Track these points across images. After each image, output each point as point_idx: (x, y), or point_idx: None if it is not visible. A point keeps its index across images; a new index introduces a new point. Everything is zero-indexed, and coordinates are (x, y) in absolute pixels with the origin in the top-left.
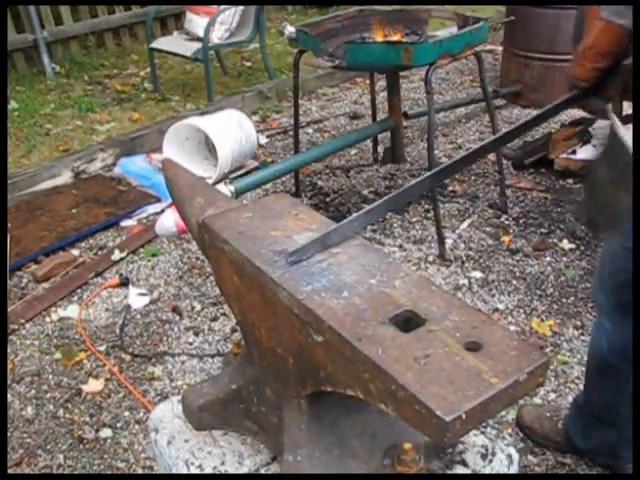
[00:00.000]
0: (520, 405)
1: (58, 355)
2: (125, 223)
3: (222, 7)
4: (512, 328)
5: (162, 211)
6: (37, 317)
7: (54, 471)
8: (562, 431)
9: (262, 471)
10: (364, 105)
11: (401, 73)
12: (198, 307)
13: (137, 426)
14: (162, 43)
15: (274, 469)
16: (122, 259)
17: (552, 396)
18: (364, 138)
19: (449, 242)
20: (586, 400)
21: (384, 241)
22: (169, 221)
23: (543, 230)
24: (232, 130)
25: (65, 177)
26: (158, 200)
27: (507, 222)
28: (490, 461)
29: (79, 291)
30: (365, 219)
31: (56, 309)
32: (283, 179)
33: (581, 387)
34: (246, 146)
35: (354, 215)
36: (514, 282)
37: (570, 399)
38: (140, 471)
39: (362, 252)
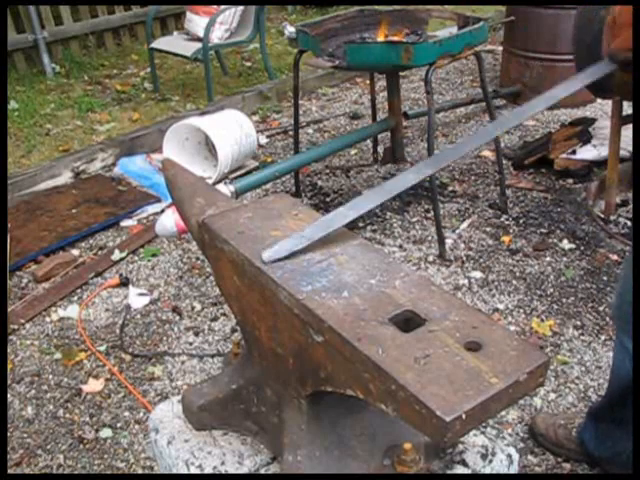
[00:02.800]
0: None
1: (58, 355)
2: (125, 223)
3: (222, 7)
4: (512, 328)
5: (162, 211)
6: (37, 317)
7: (54, 471)
8: (576, 439)
9: (262, 471)
10: (364, 105)
11: (401, 73)
12: (198, 307)
13: (137, 426)
14: (162, 43)
15: (274, 469)
16: (122, 259)
17: (552, 396)
18: (364, 138)
19: (449, 242)
20: (609, 411)
21: (384, 241)
22: (169, 221)
23: (543, 230)
24: (232, 130)
25: (65, 177)
26: (158, 200)
27: (507, 222)
28: (490, 461)
29: (79, 291)
30: (351, 213)
31: (56, 309)
32: (283, 179)
33: (581, 387)
34: (246, 146)
35: (335, 210)
36: (514, 282)
37: (570, 399)
38: (140, 471)
39: (362, 252)
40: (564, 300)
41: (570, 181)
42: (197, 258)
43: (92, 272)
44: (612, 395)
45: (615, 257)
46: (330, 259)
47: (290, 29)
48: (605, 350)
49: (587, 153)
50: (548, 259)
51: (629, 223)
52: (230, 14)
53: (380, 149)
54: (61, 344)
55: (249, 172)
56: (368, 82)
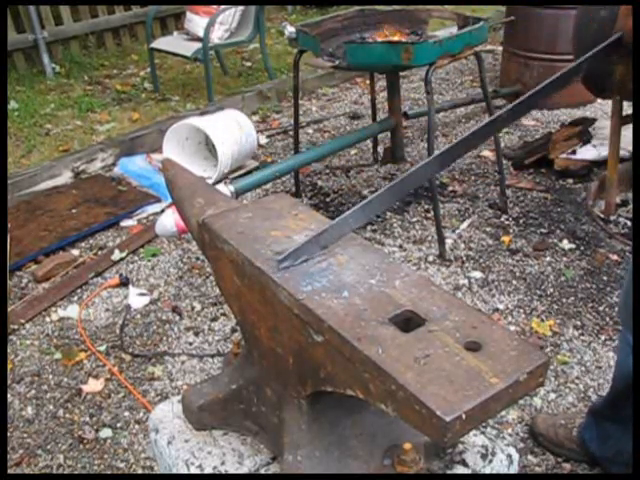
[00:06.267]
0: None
1: (58, 355)
2: (125, 223)
3: (222, 7)
4: (512, 328)
5: (162, 211)
6: (37, 317)
7: (54, 471)
8: (577, 439)
9: (262, 471)
10: (364, 105)
11: (401, 73)
12: (198, 307)
13: (137, 426)
14: (162, 43)
15: (274, 469)
16: (122, 259)
17: (552, 396)
18: (364, 138)
19: (449, 242)
20: (613, 409)
21: (384, 241)
22: (169, 221)
23: (543, 230)
24: (232, 130)
25: (65, 177)
26: (158, 200)
27: (507, 222)
28: (490, 461)
29: (79, 291)
30: (361, 216)
31: (56, 309)
32: (283, 179)
33: (581, 387)
34: (246, 146)
35: (348, 212)
36: (514, 282)
37: (570, 399)
38: (140, 471)
39: (362, 252)
40: (564, 300)
41: (570, 181)
42: (197, 258)
43: (92, 272)
44: (615, 392)
45: (615, 257)
46: (330, 259)
47: (290, 29)
48: (605, 350)
49: (587, 153)
50: (548, 259)
51: (629, 223)
52: (230, 14)
53: (380, 149)
54: (61, 344)
55: (249, 172)
56: (368, 82)
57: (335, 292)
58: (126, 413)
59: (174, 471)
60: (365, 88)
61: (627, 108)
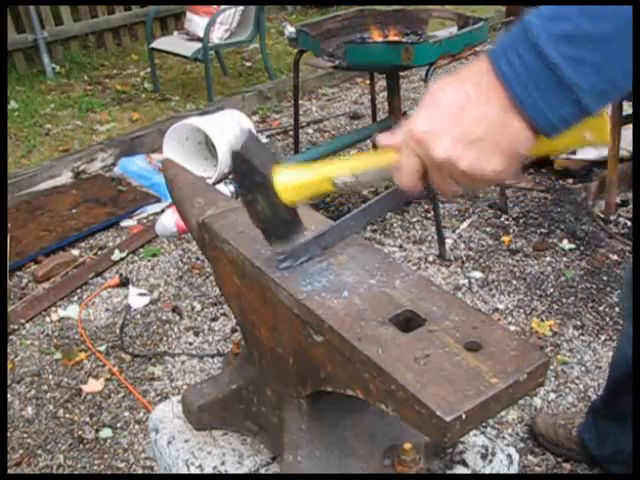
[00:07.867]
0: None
1: (58, 355)
2: (125, 223)
3: (222, 7)
4: (512, 328)
5: (162, 211)
6: (37, 317)
7: (54, 471)
8: (577, 438)
9: (262, 471)
10: (364, 105)
11: (401, 73)
12: (198, 307)
13: (137, 426)
14: (162, 43)
15: (274, 469)
16: (122, 259)
17: (552, 396)
18: (364, 138)
19: (449, 242)
20: (609, 406)
21: (384, 241)
22: (169, 221)
23: (543, 230)
24: (232, 130)
25: (65, 177)
26: (158, 200)
27: (507, 222)
28: (490, 461)
29: (79, 291)
30: (362, 219)
31: (56, 309)
32: None
33: (581, 387)
34: None
35: (349, 214)
36: (514, 282)
37: (570, 399)
38: (140, 471)
39: (362, 252)
40: (564, 300)
41: (570, 181)
42: (197, 258)
43: (92, 272)
44: (612, 384)
45: (615, 257)
46: (330, 259)
47: (290, 29)
48: (605, 350)
49: (587, 153)
50: (548, 259)
51: (629, 223)
52: (230, 14)
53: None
54: (61, 344)
55: None
56: (368, 82)
57: (335, 292)
58: (126, 413)
59: (174, 471)
60: (365, 88)
61: (627, 108)
